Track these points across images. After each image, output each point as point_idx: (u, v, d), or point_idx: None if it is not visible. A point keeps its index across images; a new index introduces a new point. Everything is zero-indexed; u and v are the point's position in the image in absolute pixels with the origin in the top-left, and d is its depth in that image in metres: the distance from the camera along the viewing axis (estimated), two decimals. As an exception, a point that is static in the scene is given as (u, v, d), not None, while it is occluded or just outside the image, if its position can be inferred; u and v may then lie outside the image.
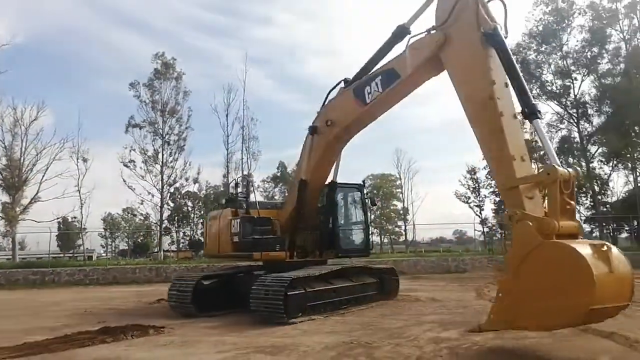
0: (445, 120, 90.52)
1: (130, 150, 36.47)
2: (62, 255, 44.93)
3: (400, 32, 8.64)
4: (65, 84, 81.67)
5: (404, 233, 56.40)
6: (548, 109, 39.70)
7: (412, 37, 8.32)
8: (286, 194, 11.93)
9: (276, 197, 60.85)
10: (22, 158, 34.12)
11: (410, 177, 55.47)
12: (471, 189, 48.75)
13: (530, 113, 6.70)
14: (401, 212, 59.16)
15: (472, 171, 48.77)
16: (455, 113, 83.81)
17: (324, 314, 9.67)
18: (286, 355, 6.32)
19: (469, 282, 17.48)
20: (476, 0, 7.08)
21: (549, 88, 37.97)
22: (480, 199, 48.42)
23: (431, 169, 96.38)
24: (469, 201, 48.58)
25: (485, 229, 47.74)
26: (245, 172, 34.61)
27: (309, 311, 9.47)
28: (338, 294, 10.33)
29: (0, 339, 7.84)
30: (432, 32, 7.81)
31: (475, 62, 7.03)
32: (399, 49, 8.75)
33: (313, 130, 10.54)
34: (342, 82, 10.03)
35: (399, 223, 60.14)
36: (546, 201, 6.11)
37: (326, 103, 10.50)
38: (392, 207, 63.91)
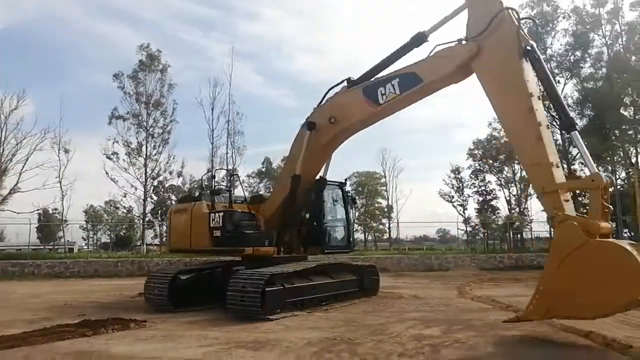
0: (430, 120, 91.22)
1: (113, 142, 36.04)
2: (42, 247, 44.23)
3: (419, 39, 8.88)
4: (47, 73, 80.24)
5: (387, 231, 56.74)
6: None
7: (438, 45, 8.55)
8: (271, 190, 11.63)
9: (261, 192, 60.69)
10: (1, 147, 33.48)
11: (395, 175, 55.83)
12: (455, 188, 49.25)
13: (570, 125, 7.42)
14: (385, 209, 59.43)
15: (456, 171, 49.28)
16: (439, 113, 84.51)
17: (305, 311, 9.59)
18: (268, 350, 6.31)
19: (452, 280, 17.64)
20: (515, 17, 7.51)
21: (533, 90, 38.49)
22: (464, 198, 48.97)
23: (416, 167, 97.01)
24: (453, 200, 49.09)
25: (468, 228, 48.22)
26: (230, 167, 34.45)
27: (287, 308, 9.38)
28: (317, 290, 10.26)
29: (-23, 331, 7.72)
30: (464, 42, 8.16)
31: (513, 75, 7.40)
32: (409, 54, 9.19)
33: (311, 126, 10.44)
34: (345, 82, 10.05)
35: (383, 221, 60.52)
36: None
37: (327, 100, 10.50)
38: (376, 205, 64.19)
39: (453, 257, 25.02)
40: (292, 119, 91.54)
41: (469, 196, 48.79)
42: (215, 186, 11.71)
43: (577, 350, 5.98)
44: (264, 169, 60.54)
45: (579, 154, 37.88)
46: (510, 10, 7.50)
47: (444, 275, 20.65)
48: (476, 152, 47.41)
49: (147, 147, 36.30)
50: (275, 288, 9.14)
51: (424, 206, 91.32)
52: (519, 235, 42.61)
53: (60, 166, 34.99)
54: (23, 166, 33.45)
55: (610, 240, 6.28)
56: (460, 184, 49.29)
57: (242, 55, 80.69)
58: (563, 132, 36.88)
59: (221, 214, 10.68)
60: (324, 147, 10.68)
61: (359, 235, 63.70)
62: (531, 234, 43.56)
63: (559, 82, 37.45)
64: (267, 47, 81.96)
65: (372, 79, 9.49)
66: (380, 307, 10.57)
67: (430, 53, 8.64)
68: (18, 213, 32.87)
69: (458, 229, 43.42)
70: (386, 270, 22.60)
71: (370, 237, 64.81)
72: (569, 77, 37.45)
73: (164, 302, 10.15)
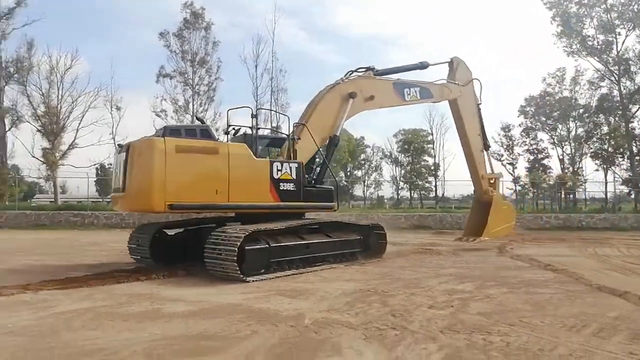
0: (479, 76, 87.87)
1: (161, 100, 36.97)
2: (100, 199, 46.81)
3: (423, 66, 14.11)
4: (97, 32, 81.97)
5: (434, 189, 56.24)
6: (588, 66, 38.07)
7: (442, 79, 14.60)
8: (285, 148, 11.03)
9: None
10: (59, 105, 35.21)
11: (443, 133, 54.68)
12: (504, 147, 47.92)
13: (488, 146, 16.46)
14: (432, 167, 58.70)
15: (507, 128, 47.79)
16: (488, 68, 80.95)
17: (298, 271, 9.01)
18: (304, 298, 6.69)
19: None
20: (479, 84, 15.65)
21: (590, 43, 36.28)
22: (514, 156, 47.67)
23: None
24: (502, 159, 47.86)
25: (517, 187, 47.10)
26: (274, 124, 34.78)
27: (274, 268, 8.73)
28: (311, 250, 9.52)
29: (46, 274, 8.56)
30: (457, 85, 14.73)
31: (475, 113, 15.31)
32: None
33: (354, 95, 11.34)
34: (369, 70, 12.39)
35: (430, 179, 59.96)
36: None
37: (358, 78, 11.90)
38: (422, 163, 63.50)
39: (497, 216, 24.70)
40: (336, 74, 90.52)
41: (519, 155, 47.50)
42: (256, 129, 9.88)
43: (610, 309, 5.99)
44: (309, 126, 60.50)
45: (639, 111, 36.04)
46: (477, 80, 15.42)
47: (486, 233, 20.46)
48: (528, 109, 45.70)
49: (193, 105, 37.13)
50: (258, 246, 8.40)
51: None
52: (571, 195, 41.26)
53: (113, 123, 36.60)
54: (79, 123, 35.41)
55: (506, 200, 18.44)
56: (510, 142, 47.93)
57: (285, 11, 79.51)
58: (622, 87, 35.42)
59: (294, 164, 9.79)
60: (355, 113, 11.80)
61: (405, 193, 63.87)
62: (585, 195, 42.21)
63: (619, 34, 35.32)
64: (310, 1, 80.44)
65: (396, 78, 13.06)
66: (417, 262, 10.80)
67: (437, 81, 14.35)
68: (77, 167, 34.91)
69: (507, 188, 42.44)
70: (428, 228, 22.77)
71: (415, 195, 64.49)
72: (631, 28, 34.97)
73: (146, 258, 9.67)
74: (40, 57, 34.96)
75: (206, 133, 9.34)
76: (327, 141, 11.20)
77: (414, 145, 62.05)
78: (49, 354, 4.18)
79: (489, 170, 15.35)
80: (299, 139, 10.49)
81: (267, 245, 8.56)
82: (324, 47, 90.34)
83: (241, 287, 7.57)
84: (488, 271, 9.44)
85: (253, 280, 8.00)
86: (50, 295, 6.84)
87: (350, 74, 12.18)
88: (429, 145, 59.53)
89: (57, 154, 34.52)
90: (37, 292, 7.03)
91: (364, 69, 12.32)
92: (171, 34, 37.53)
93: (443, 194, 48.73)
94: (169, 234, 10.18)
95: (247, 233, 8.15)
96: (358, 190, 67.50)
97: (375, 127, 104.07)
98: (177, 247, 9.98)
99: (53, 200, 36.30)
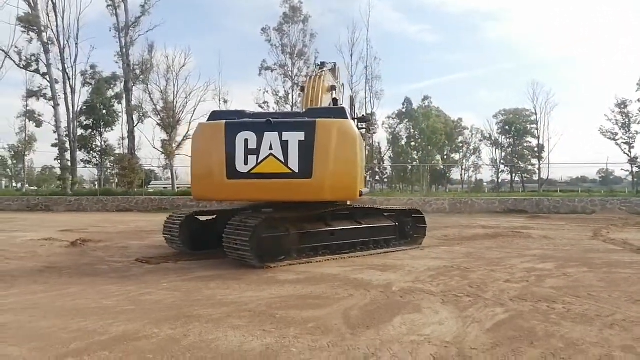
0: (592, 48, 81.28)
1: (263, 92, 39.49)
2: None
3: (322, 65, 12.53)
4: (201, 27, 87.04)
5: (537, 172, 53.96)
6: None
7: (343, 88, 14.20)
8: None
9: (401, 134, 61.28)
10: (174, 101, 39.00)
11: (548, 112, 52.03)
12: (619, 125, 44.63)
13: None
14: (535, 149, 56.22)
15: (622, 104, 44.43)
16: (598, 36, 74.35)
17: (318, 258, 8.82)
18: (393, 272, 7.69)
19: (592, 223, 17.21)
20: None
21: None
22: (630, 135, 44.26)
23: (572, 102, 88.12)
24: (616, 138, 44.69)
25: (635, 169, 43.74)
26: (369, 111, 35.70)
27: (294, 254, 8.61)
28: (337, 237, 9.31)
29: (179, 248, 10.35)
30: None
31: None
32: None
33: (334, 87, 11.66)
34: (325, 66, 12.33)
35: (533, 161, 57.53)
36: None
37: (327, 72, 11.88)
38: (525, 144, 61.08)
39: (600, 200, 23.71)
40: (431, 54, 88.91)
41: (637, 133, 43.99)
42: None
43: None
44: (404, 110, 60.65)
45: None
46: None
47: (586, 218, 20.01)
48: (650, 80, 42.04)
49: (293, 96, 39.17)
50: (275, 234, 8.29)
51: (583, 144, 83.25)
52: None
53: (221, 115, 39.71)
54: (192, 116, 38.94)
55: None
56: (627, 120, 44.51)
57: (381, -7, 79.32)
58: None
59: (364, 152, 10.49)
60: None
61: (506, 176, 61.81)
62: None
63: None
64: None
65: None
66: (505, 244, 11.28)
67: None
68: (190, 156, 38.58)
69: (621, 169, 39.67)
70: (523, 212, 22.54)
71: (517, 179, 62.20)
72: None
73: (177, 243, 9.76)
74: (159, 57, 38.96)
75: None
76: None
77: (516, 126, 59.84)
78: (199, 303, 5.63)
79: None
80: None
81: (286, 233, 8.50)
82: (419, 27, 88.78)
83: (339, 262, 8.72)
84: (574, 253, 9.74)
85: (271, 267, 7.91)
86: (187, 265, 8.51)
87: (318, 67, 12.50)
88: (532, 126, 57.11)
89: (173, 145, 38.36)
90: (176, 262, 8.75)
91: (320, 64, 12.68)
92: (272, 29, 39.79)
93: (548, 177, 46.57)
94: (201, 219, 10.16)
95: (264, 219, 8.07)
96: (455, 174, 66.54)
97: (474, 108, 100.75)
98: (210, 233, 9.84)
99: (166, 186, 40.42)
